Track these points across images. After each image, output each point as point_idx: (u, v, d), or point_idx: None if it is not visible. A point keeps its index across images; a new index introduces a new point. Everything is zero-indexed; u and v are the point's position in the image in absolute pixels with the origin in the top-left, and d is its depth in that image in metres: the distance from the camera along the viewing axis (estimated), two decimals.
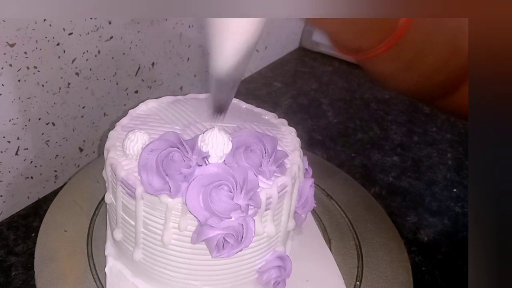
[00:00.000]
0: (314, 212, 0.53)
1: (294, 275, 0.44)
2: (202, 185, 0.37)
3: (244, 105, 0.50)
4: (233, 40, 0.33)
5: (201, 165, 0.38)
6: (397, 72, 0.43)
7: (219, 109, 0.40)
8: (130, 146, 0.40)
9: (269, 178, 0.40)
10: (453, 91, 0.44)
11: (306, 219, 0.49)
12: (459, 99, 0.45)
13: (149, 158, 0.38)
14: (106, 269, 0.45)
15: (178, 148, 0.38)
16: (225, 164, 0.39)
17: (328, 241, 0.51)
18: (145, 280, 0.43)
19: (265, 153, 0.40)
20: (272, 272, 0.42)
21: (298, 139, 0.45)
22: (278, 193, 0.39)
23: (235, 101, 0.50)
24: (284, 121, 0.48)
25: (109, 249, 0.46)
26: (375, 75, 0.45)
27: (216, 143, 0.38)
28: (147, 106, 0.48)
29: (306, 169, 0.46)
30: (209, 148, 0.38)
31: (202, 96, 0.50)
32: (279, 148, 0.42)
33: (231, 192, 0.37)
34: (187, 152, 0.38)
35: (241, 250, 0.39)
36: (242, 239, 0.38)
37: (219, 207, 0.36)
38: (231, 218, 0.37)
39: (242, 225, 0.38)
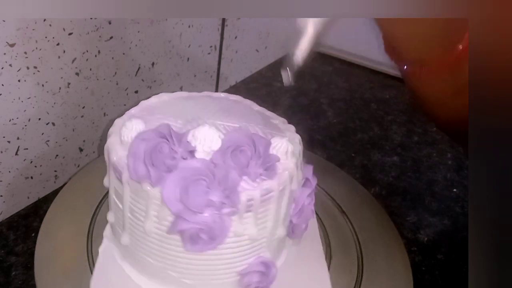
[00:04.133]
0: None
1: (282, 285, 0.43)
2: (182, 177, 0.37)
3: (256, 107, 0.49)
4: None
5: (186, 159, 0.39)
6: (447, 97, 0.43)
7: (294, 59, 0.40)
8: (125, 134, 0.41)
9: (254, 180, 0.39)
10: None
11: (309, 229, 0.48)
12: None
13: (139, 146, 0.39)
14: (100, 249, 0.46)
15: (167, 140, 0.39)
16: (211, 161, 0.39)
17: (329, 258, 0.49)
18: (131, 264, 0.44)
19: (255, 154, 0.39)
20: (253, 277, 0.42)
21: (300, 147, 0.44)
22: (262, 196, 0.39)
23: (247, 102, 0.50)
24: (292, 127, 0.47)
25: (107, 231, 0.47)
26: (422, 99, 0.45)
27: (204, 138, 0.39)
28: (159, 99, 0.48)
29: (307, 178, 0.45)
30: (196, 143, 0.39)
31: (216, 94, 0.51)
32: (274, 152, 0.41)
33: (208, 188, 0.37)
34: (174, 144, 0.39)
35: (215, 248, 0.39)
36: (216, 237, 0.38)
37: (193, 201, 0.37)
38: (204, 213, 0.37)
39: (217, 222, 0.38)
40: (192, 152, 0.39)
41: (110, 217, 0.45)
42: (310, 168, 0.45)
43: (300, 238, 0.48)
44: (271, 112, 0.49)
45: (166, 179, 0.37)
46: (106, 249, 0.46)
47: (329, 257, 0.49)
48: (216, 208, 0.37)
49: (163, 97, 0.49)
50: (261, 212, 0.40)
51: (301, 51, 0.39)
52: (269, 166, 0.40)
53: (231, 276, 0.42)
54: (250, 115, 0.48)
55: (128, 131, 0.41)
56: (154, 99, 0.48)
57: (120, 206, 0.42)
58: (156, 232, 0.40)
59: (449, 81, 0.42)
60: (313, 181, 0.46)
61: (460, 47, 0.38)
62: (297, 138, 0.45)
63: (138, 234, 0.42)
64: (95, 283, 0.43)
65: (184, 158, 0.39)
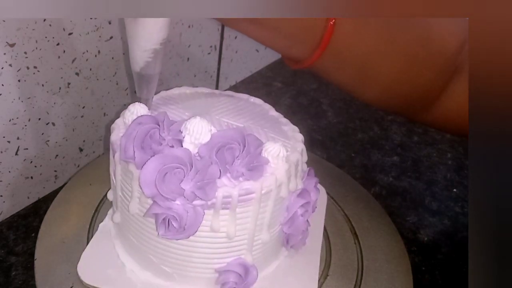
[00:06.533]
0: None
1: None
2: (162, 163, 0.38)
3: (273, 112, 0.49)
4: (138, 42, 0.39)
5: (173, 147, 0.39)
6: (352, 82, 0.42)
7: (143, 102, 0.44)
8: (127, 116, 0.43)
9: (236, 179, 0.39)
10: (429, 104, 0.43)
11: (311, 244, 0.47)
12: (438, 113, 0.44)
13: (134, 129, 0.40)
14: (100, 224, 0.48)
15: (160, 126, 0.40)
16: (197, 153, 0.39)
17: (329, 257, 0.49)
18: (122, 242, 0.46)
19: (242, 153, 0.39)
20: (230, 276, 0.42)
21: (300, 157, 0.43)
22: (240, 195, 0.38)
23: (266, 106, 0.49)
24: (300, 136, 0.45)
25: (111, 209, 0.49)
26: (340, 87, 0.44)
27: (193, 130, 0.40)
28: (179, 91, 0.50)
29: (305, 189, 0.43)
30: (186, 133, 0.40)
31: (238, 95, 0.51)
32: (266, 155, 0.41)
33: (184, 177, 0.38)
34: (164, 131, 0.40)
35: (187, 238, 0.39)
36: (186, 227, 0.39)
37: (167, 188, 0.37)
38: (176, 201, 0.38)
39: (189, 213, 0.38)
40: (180, 141, 0.40)
41: (109, 194, 0.47)
42: (313, 181, 0.45)
43: (297, 249, 0.47)
44: (286, 120, 0.48)
45: (147, 162, 0.38)
46: (106, 225, 0.48)
47: (329, 256, 0.49)
48: (187, 198, 0.38)
49: (184, 90, 0.50)
50: (240, 212, 0.40)
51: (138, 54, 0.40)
52: (253, 166, 0.39)
53: (209, 272, 0.42)
54: (261, 118, 0.47)
55: (130, 114, 0.43)
56: (175, 91, 0.50)
57: (115, 184, 0.43)
58: (138, 213, 0.41)
59: (341, 69, 0.41)
60: (313, 195, 0.45)
61: (331, 22, 0.37)
62: (300, 147, 0.44)
63: (125, 213, 0.43)
64: (86, 253, 0.45)
65: (171, 146, 0.39)
